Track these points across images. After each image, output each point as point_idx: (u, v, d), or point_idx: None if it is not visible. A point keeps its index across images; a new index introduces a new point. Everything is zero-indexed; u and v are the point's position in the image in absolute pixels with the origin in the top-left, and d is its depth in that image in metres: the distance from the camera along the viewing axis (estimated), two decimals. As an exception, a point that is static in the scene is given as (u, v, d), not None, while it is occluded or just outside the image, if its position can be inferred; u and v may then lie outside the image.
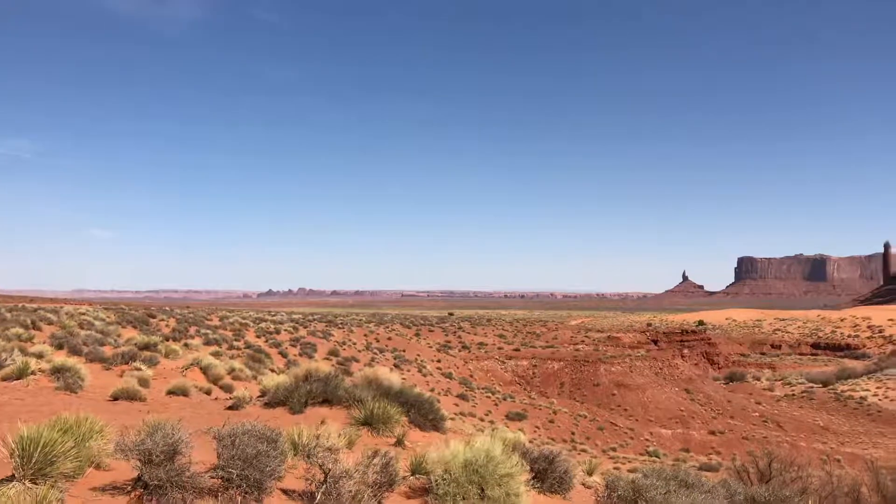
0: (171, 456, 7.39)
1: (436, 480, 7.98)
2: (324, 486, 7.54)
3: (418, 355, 79.16)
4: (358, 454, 9.16)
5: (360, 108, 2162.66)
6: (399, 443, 11.94)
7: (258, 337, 62.66)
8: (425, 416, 14.23)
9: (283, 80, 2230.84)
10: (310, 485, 7.79)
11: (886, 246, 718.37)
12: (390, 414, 12.67)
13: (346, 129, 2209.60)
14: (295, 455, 8.91)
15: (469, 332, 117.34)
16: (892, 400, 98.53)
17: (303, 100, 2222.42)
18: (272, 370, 41.17)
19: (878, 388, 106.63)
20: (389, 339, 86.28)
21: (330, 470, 7.60)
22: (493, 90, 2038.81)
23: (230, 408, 15.86)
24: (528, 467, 9.63)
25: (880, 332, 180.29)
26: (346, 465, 7.75)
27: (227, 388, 23.85)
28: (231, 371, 29.15)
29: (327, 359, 61.01)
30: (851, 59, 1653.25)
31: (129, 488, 7.36)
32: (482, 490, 7.75)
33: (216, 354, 39.37)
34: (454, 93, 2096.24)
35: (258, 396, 17.05)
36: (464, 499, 7.64)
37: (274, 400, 15.15)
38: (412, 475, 8.74)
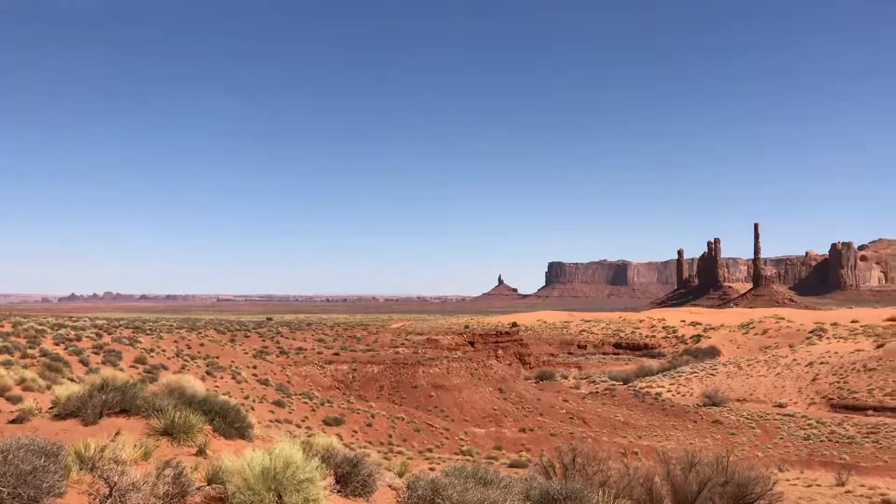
0: (-70, 476, 6.68)
1: (232, 490, 7.73)
2: (108, 500, 7.10)
3: (233, 362, 76.77)
4: (153, 465, 8.71)
5: (170, 104, 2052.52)
6: (201, 452, 11.48)
7: (57, 344, 58.28)
8: (231, 423, 13.76)
9: (73, 72, 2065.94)
10: (94, 500, 7.31)
11: (680, 253, 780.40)
12: (192, 423, 12.16)
13: (153, 127, 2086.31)
14: (81, 469, 8.33)
15: (288, 338, 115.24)
16: (683, 395, 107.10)
17: (106, 94, 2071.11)
18: (71, 379, 38.46)
19: (671, 384, 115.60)
20: (202, 345, 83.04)
21: (116, 483, 7.17)
22: (298, 86, 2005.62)
23: (13, 421, 14.59)
24: (332, 472, 9.56)
25: (674, 332, 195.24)
26: (135, 477, 7.34)
27: (16, 400, 21.96)
28: (22, 381, 26.86)
29: (134, 367, 57.80)
30: (650, 70, 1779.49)
31: None
32: (280, 497, 7.60)
33: (6, 364, 36.25)
34: (267, 89, 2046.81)
35: (49, 408, 15.80)
36: (260, 506, 7.45)
37: (65, 411, 14.10)
38: (208, 485, 8.42)
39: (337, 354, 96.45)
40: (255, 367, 78.13)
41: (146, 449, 10.42)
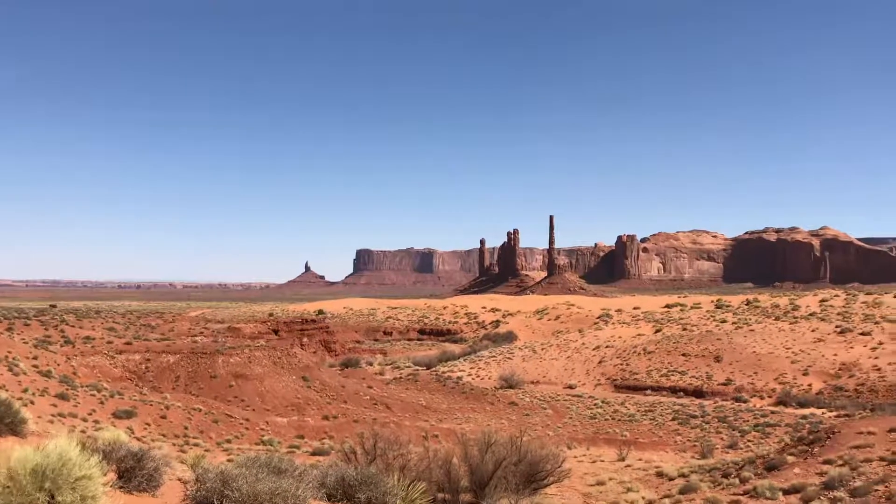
0: None
1: (-6, 491, 7.06)
2: None
3: (10, 352, 70.43)
4: None
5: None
6: (-38, 452, 10.40)
7: None
8: (0, 420, 12.62)
9: None
10: None
11: (482, 242, 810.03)
12: (-48, 420, 11.02)
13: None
14: None
15: (74, 326, 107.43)
16: (482, 379, 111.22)
17: None
18: None
19: (471, 368, 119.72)
20: (-26, 334, 75.68)
21: None
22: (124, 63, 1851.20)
23: None
24: (115, 467, 9.01)
25: (475, 318, 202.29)
26: None
27: None
28: None
29: None
30: (454, 66, 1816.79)
31: None
32: (52, 496, 7.04)
33: None
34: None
35: None
36: (28, 508, 6.85)
37: None
38: (-34, 488, 7.63)
39: (129, 344, 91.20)
40: (35, 358, 72.16)
41: None
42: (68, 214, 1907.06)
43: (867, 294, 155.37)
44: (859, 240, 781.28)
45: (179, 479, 10.77)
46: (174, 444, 48.95)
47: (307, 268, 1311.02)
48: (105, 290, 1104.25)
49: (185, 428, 58.59)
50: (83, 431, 41.67)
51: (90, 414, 55.12)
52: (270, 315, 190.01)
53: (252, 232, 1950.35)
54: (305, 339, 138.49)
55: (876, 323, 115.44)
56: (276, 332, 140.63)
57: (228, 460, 40.34)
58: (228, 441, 56.43)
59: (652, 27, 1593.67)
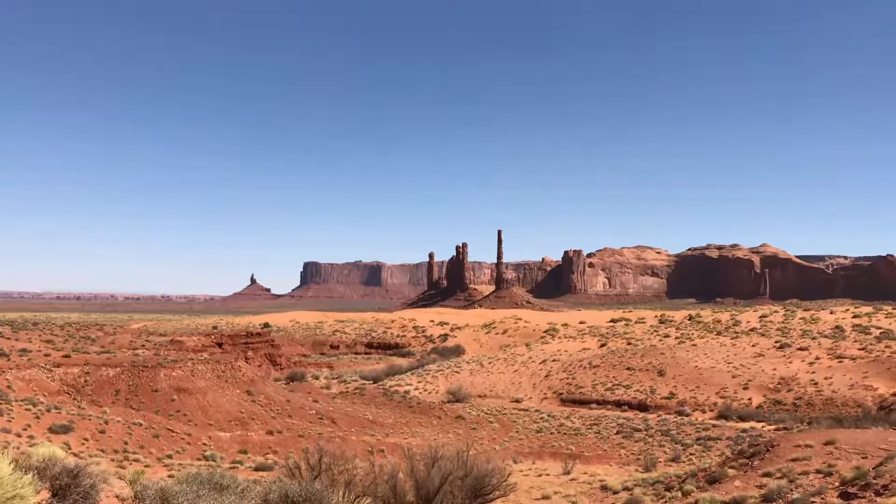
0: None
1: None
2: None
3: (-59, 365, 68.06)
4: None
5: None
6: None
7: None
8: (-72, 435, 12.11)
9: None
10: None
11: (431, 256, 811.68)
12: None
13: None
14: None
15: (9, 338, 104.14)
16: (429, 393, 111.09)
17: None
18: None
19: (419, 382, 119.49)
20: None
21: None
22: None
23: None
24: (49, 485, 8.70)
25: (423, 331, 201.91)
26: None
27: None
28: None
29: None
30: (402, 75, 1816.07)
31: None
32: (-19, 517, 6.76)
33: None
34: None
35: None
36: (-45, 530, 6.57)
37: None
38: None
39: (67, 356, 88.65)
40: (-33, 372, 69.74)
41: None
42: (3, 222, 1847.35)
43: (805, 310, 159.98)
44: (797, 257, 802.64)
45: (117, 497, 10.47)
46: (113, 460, 47.69)
47: (253, 280, 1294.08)
48: (43, 302, 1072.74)
49: (125, 443, 57.17)
50: (17, 448, 40.33)
51: (25, 429, 53.44)
52: (214, 328, 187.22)
53: (196, 243, 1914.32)
54: (250, 353, 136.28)
55: (813, 338, 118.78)
56: (220, 345, 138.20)
57: (169, 476, 39.44)
58: (169, 456, 55.21)
59: (597, 49, 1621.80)
